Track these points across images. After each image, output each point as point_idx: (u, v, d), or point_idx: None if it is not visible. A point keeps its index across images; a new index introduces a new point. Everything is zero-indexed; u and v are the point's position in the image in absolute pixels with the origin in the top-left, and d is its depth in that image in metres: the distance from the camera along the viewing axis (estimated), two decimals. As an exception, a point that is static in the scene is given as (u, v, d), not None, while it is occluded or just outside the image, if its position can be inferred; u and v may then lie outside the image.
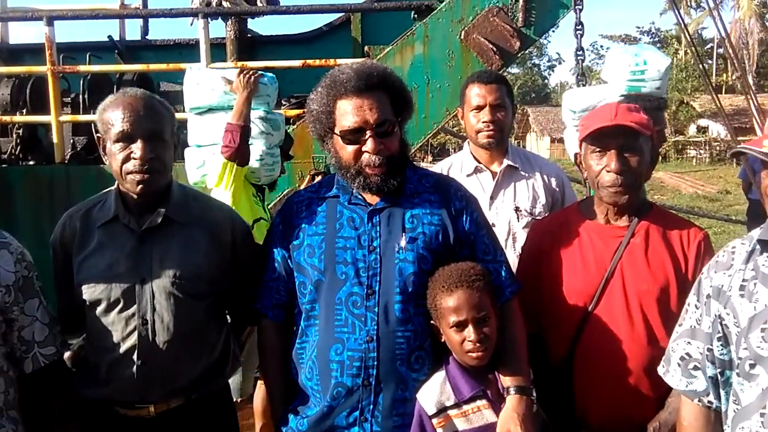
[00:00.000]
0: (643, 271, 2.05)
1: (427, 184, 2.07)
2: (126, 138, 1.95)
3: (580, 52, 4.95)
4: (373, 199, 2.01)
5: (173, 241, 2.05)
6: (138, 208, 2.05)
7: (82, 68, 5.62)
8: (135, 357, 2.00)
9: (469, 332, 1.88)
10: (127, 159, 1.96)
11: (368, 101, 1.92)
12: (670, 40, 47.09)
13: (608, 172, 2.03)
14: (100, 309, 2.01)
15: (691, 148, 36.14)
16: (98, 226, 2.06)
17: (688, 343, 1.68)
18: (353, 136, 1.93)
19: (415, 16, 5.65)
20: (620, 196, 2.05)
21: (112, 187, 2.09)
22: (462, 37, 5.00)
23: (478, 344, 1.88)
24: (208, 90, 3.84)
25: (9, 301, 1.92)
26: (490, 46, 4.97)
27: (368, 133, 1.92)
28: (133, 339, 2.00)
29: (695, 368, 1.66)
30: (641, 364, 2.02)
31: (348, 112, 1.92)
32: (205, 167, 3.77)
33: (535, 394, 1.96)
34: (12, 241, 1.97)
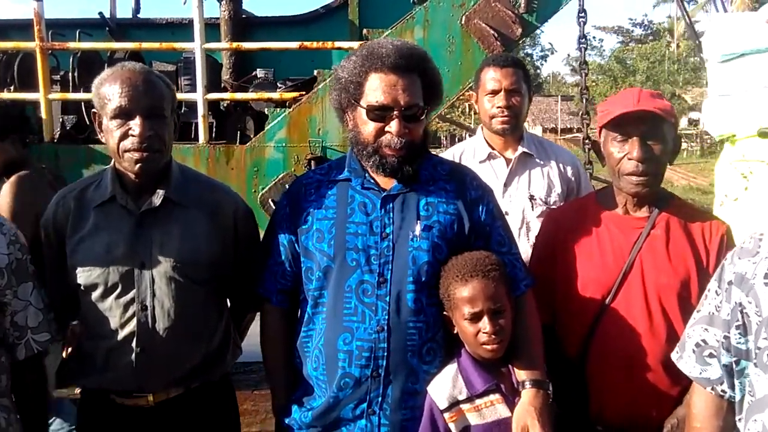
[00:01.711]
0: (663, 264, 1.98)
1: (443, 171, 1.99)
2: (124, 114, 1.84)
3: (583, 40, 4.87)
4: (386, 184, 1.93)
5: (174, 223, 1.95)
6: (136, 188, 1.95)
7: (72, 45, 5.45)
8: (134, 344, 1.91)
9: (485, 324, 1.81)
10: (124, 136, 1.85)
11: (403, 81, 1.84)
12: (663, 32, 47.16)
13: (630, 159, 1.95)
14: (96, 294, 1.91)
15: (683, 140, 36.26)
16: (94, 207, 1.95)
17: (705, 329, 1.62)
18: (380, 113, 1.85)
19: (415, 0, 5.54)
20: (642, 186, 1.97)
21: (108, 166, 1.98)
22: (463, 22, 4.90)
23: (493, 336, 1.81)
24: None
25: (2, 285, 1.82)
26: (491, 31, 4.89)
27: (396, 113, 1.83)
28: (131, 325, 1.91)
29: (710, 356, 1.60)
30: (660, 359, 1.95)
31: (379, 88, 1.84)
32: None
33: (551, 389, 1.90)
34: (4, 222, 1.87)
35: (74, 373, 2.01)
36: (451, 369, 1.86)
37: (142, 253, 1.92)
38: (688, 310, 1.93)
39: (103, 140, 1.91)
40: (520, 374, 1.88)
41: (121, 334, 1.91)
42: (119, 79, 1.85)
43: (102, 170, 2.01)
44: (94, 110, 1.92)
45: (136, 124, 1.84)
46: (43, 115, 5.19)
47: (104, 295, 1.91)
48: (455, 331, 1.88)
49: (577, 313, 2.05)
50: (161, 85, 1.92)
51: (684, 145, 35.42)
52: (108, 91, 1.85)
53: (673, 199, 2.10)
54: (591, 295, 2.04)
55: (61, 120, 5.53)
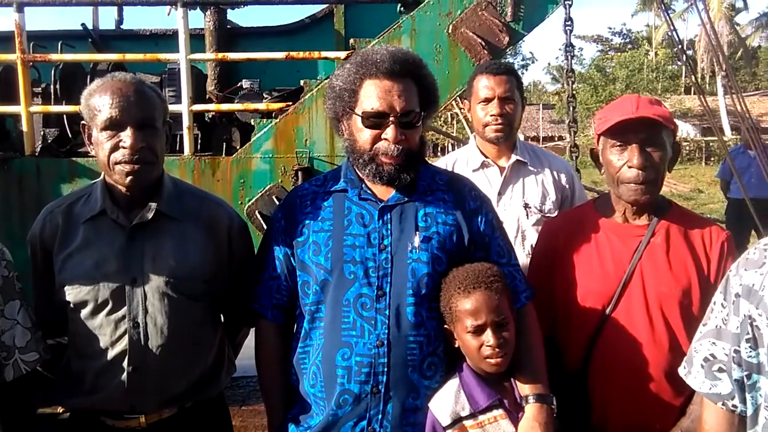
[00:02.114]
0: (664, 273, 1.96)
1: (441, 181, 1.96)
2: (114, 125, 1.79)
3: (570, 48, 4.87)
4: (384, 195, 1.89)
5: (166, 237, 1.90)
6: (127, 202, 1.89)
7: (54, 57, 5.35)
8: (125, 363, 1.84)
9: (488, 337, 1.77)
10: (115, 148, 1.80)
11: (398, 87, 1.80)
12: (641, 41, 47.76)
13: (629, 167, 1.93)
14: (86, 311, 1.85)
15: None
16: (83, 222, 1.89)
17: (713, 343, 1.59)
18: (375, 120, 1.81)
19: (401, 9, 5.53)
20: (641, 193, 1.95)
21: (97, 180, 1.93)
22: (450, 31, 4.89)
23: (497, 349, 1.77)
24: None
25: None
26: (479, 40, 4.88)
27: (391, 119, 1.80)
28: (123, 344, 1.84)
29: (720, 370, 1.57)
30: (662, 370, 1.92)
31: (374, 94, 1.80)
32: None
33: (555, 404, 1.86)
34: None
35: (62, 394, 1.94)
36: (453, 384, 1.82)
37: (134, 268, 1.86)
38: (690, 318, 1.92)
39: (92, 152, 1.85)
40: (523, 389, 1.84)
41: (113, 353, 1.85)
42: (110, 90, 1.80)
43: (91, 184, 1.95)
44: (83, 122, 1.87)
45: (127, 136, 1.78)
46: (24, 128, 5.09)
47: (94, 313, 1.85)
48: (456, 345, 1.84)
49: (578, 324, 2.03)
50: (153, 96, 1.87)
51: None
52: (98, 102, 1.80)
53: (672, 207, 2.08)
54: (591, 305, 2.01)
55: (42, 133, 5.43)
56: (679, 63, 43.64)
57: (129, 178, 1.81)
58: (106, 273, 1.84)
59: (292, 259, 1.91)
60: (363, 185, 1.89)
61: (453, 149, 3.08)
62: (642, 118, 1.89)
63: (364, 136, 1.83)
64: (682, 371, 1.68)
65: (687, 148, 34.02)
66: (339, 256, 1.84)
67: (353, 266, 1.82)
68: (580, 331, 2.02)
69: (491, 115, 2.64)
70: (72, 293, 1.85)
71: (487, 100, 2.64)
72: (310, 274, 1.87)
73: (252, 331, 2.06)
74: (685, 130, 37.13)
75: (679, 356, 1.87)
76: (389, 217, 1.87)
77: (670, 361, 1.91)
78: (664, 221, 2.01)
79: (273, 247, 1.95)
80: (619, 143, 1.95)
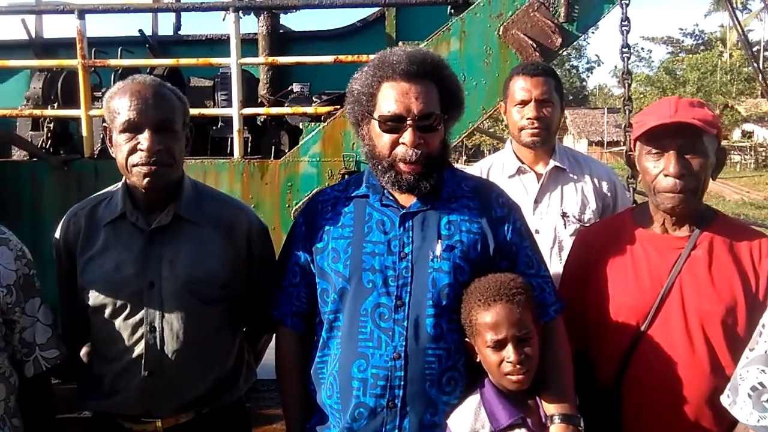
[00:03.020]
0: (705, 289, 1.82)
1: (467, 188, 1.88)
2: (132, 128, 1.79)
3: (626, 50, 4.69)
4: (406, 201, 1.83)
5: (184, 241, 1.89)
6: (147, 205, 1.90)
7: (113, 62, 5.54)
8: (142, 367, 1.85)
9: (509, 352, 1.68)
10: (133, 150, 1.80)
11: (416, 88, 1.74)
12: (715, 42, 45.91)
13: (666, 176, 1.81)
14: (105, 315, 1.86)
15: (736, 153, 35.13)
16: (104, 225, 1.91)
17: (762, 371, 1.46)
18: (392, 123, 1.75)
19: (452, 11, 5.46)
20: (679, 203, 1.82)
21: (120, 183, 1.94)
22: (500, 32, 4.80)
23: (518, 366, 1.68)
24: None
25: (11, 302, 1.79)
26: (530, 42, 4.77)
27: (409, 122, 1.74)
28: (140, 348, 1.85)
29: None
30: (702, 394, 1.79)
31: (391, 97, 1.75)
32: None
33: (582, 425, 1.75)
34: (11, 237, 1.85)
35: (83, 395, 1.96)
36: (473, 401, 1.74)
37: (152, 272, 1.86)
38: (734, 339, 1.79)
39: (113, 155, 1.86)
40: (549, 408, 1.75)
41: (129, 357, 1.85)
42: (128, 92, 1.81)
43: (114, 186, 1.97)
44: (104, 124, 1.89)
45: (144, 138, 1.78)
46: (84, 131, 5.28)
47: (113, 316, 1.86)
48: (478, 360, 1.76)
49: (611, 340, 1.92)
50: (172, 98, 1.87)
51: (737, 158, 34.39)
52: (117, 105, 1.81)
53: (718, 217, 1.93)
54: (626, 320, 1.89)
55: (101, 136, 5.62)
56: (756, 65, 41.76)
57: (146, 180, 1.81)
58: (125, 276, 1.85)
59: (312, 265, 1.88)
60: (385, 191, 1.84)
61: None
62: (680, 123, 1.77)
63: (383, 141, 1.78)
64: (725, 400, 1.56)
65: (764, 154, 32.47)
66: (358, 264, 1.79)
67: (372, 274, 1.77)
68: (613, 348, 1.90)
69: (527, 119, 2.53)
70: (92, 296, 1.86)
71: (524, 103, 2.54)
72: (329, 282, 1.83)
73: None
74: (762, 134, 35.43)
75: (720, 380, 1.76)
76: (411, 224, 1.81)
77: (711, 384, 1.78)
78: (707, 233, 1.87)
79: (293, 253, 1.91)
80: (655, 150, 1.83)
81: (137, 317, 1.85)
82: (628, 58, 4.67)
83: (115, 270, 1.86)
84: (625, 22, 4.57)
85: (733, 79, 38.32)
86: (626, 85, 4.82)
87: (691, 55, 43.66)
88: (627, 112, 4.61)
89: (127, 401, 1.87)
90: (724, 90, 37.09)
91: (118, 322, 1.86)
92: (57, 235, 1.97)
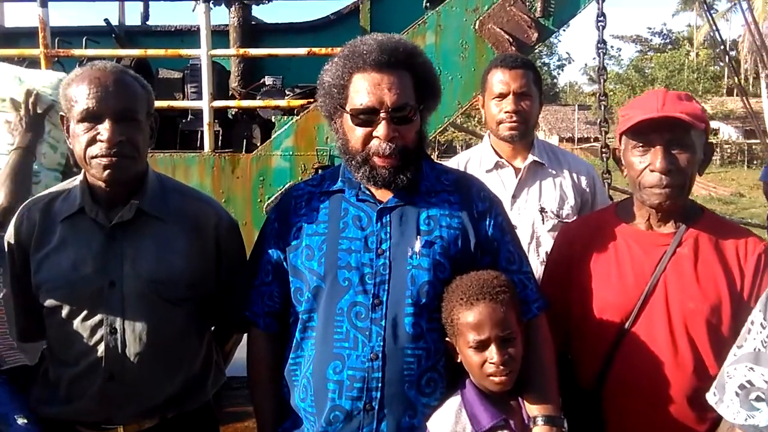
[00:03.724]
0: (690, 287, 1.77)
1: (446, 181, 1.81)
2: (91, 117, 1.68)
3: (602, 45, 4.67)
4: (383, 196, 1.75)
5: (148, 237, 1.79)
6: (107, 199, 1.78)
7: (77, 52, 5.36)
8: (101, 371, 1.74)
9: (492, 353, 1.62)
10: (92, 141, 1.68)
11: (388, 79, 1.65)
12: (682, 41, 46.68)
13: (652, 171, 1.76)
14: (61, 315, 1.75)
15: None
16: (61, 220, 1.79)
17: (750, 369, 1.42)
18: (365, 117, 1.67)
19: (427, 4, 5.41)
20: (665, 198, 1.77)
21: (78, 176, 1.82)
22: (476, 27, 4.78)
23: (501, 367, 1.61)
24: None
25: None
26: (506, 36, 4.75)
27: (382, 115, 1.65)
28: (99, 350, 1.73)
29: (758, 399, 1.39)
30: (685, 394, 1.75)
31: (363, 89, 1.66)
32: None
33: (566, 426, 1.70)
34: None
35: (37, 401, 1.84)
36: (453, 402, 1.67)
37: (112, 270, 1.75)
38: (718, 339, 1.75)
39: (71, 146, 1.75)
40: (532, 409, 1.69)
41: (88, 360, 1.74)
42: (87, 79, 1.69)
43: (71, 180, 1.85)
44: (61, 113, 1.77)
45: (104, 128, 1.67)
46: (46, 123, 5.10)
47: (70, 317, 1.74)
48: (459, 360, 1.69)
49: (594, 340, 1.86)
50: (134, 86, 1.75)
51: (704, 155, 34.97)
52: (75, 93, 1.69)
53: (704, 214, 1.89)
54: (609, 319, 1.84)
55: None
56: (722, 64, 42.56)
57: (106, 172, 1.70)
58: (83, 275, 1.74)
59: (285, 263, 1.79)
60: (361, 186, 1.76)
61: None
62: (667, 118, 1.71)
63: (355, 134, 1.69)
64: (711, 398, 1.51)
65: (729, 150, 33.12)
66: (333, 262, 1.70)
67: (348, 272, 1.69)
68: (595, 347, 1.85)
69: (506, 112, 2.47)
70: (47, 296, 1.75)
71: (502, 96, 2.48)
72: (303, 280, 1.74)
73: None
74: (727, 132, 36.17)
75: (704, 379, 1.73)
76: (388, 219, 1.73)
77: (694, 384, 1.74)
78: (692, 229, 1.83)
79: (266, 251, 1.82)
80: (641, 144, 1.77)
81: (96, 318, 1.74)
82: (604, 53, 4.67)
83: (73, 268, 1.75)
84: (601, 18, 4.57)
85: (699, 78, 39.01)
86: (601, 80, 4.81)
87: (659, 54, 44.30)
88: (602, 107, 4.61)
89: (86, 407, 1.76)
90: (691, 88, 37.68)
91: (76, 323, 1.74)
92: (9, 230, 1.85)
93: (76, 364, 1.75)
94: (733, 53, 39.44)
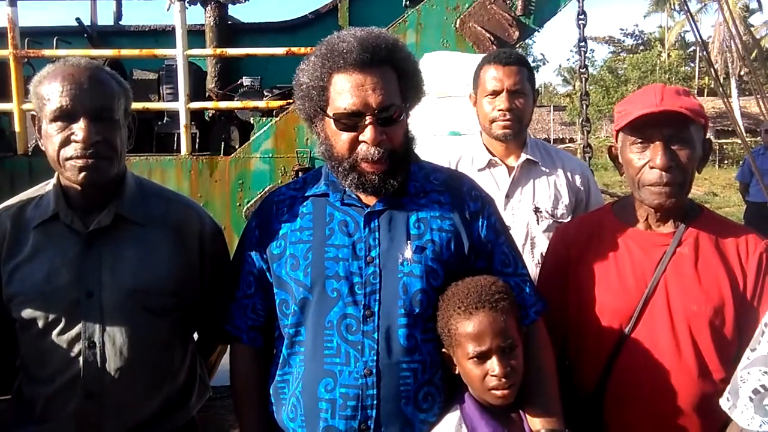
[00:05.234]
0: (692, 288, 1.72)
1: (436, 181, 1.72)
2: (65, 116, 1.57)
3: (583, 43, 4.66)
4: (370, 199, 1.66)
5: (128, 244, 1.69)
6: (84, 204, 1.68)
7: (47, 53, 5.21)
8: (79, 389, 1.63)
9: (493, 365, 1.54)
10: (66, 142, 1.58)
11: (372, 79, 1.55)
12: (654, 42, 47.31)
13: (652, 168, 1.70)
14: (35, 330, 1.64)
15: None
16: (34, 227, 1.68)
17: (765, 373, 1.38)
18: (350, 120, 1.57)
19: (407, 2, 5.37)
20: (666, 197, 1.72)
21: (51, 180, 1.72)
22: (457, 25, 4.76)
23: (504, 380, 1.53)
24: None
25: None
26: (487, 35, 4.73)
27: (368, 118, 1.56)
28: (76, 367, 1.63)
29: None
30: (690, 400, 1.69)
31: (345, 91, 1.56)
32: None
33: (569, 438, 1.63)
34: None
35: (12, 421, 1.73)
36: (453, 418, 1.59)
37: (90, 280, 1.64)
38: (721, 341, 1.71)
39: (42, 148, 1.64)
40: (534, 422, 1.61)
41: (64, 378, 1.63)
42: (60, 76, 1.59)
43: (44, 184, 1.74)
44: (33, 113, 1.66)
45: (79, 128, 1.57)
46: (17, 127, 4.95)
47: (45, 331, 1.64)
48: (456, 372, 1.61)
49: (593, 344, 1.80)
50: (111, 83, 1.65)
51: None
52: (47, 90, 1.59)
53: (703, 212, 1.84)
54: (608, 323, 1.78)
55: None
56: (692, 65, 43.21)
57: (82, 175, 1.59)
58: (58, 286, 1.63)
59: (268, 274, 1.69)
60: (346, 188, 1.67)
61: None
62: (666, 112, 1.66)
63: (341, 140, 1.60)
64: (725, 404, 1.46)
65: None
66: (320, 271, 1.61)
67: (336, 282, 1.60)
68: (594, 353, 1.79)
69: (499, 110, 2.40)
70: (20, 309, 1.64)
71: (495, 93, 2.41)
72: (289, 292, 1.64)
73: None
74: (699, 132, 36.68)
75: (709, 384, 1.68)
76: (377, 224, 1.64)
77: (699, 389, 1.69)
78: (692, 229, 1.78)
79: (247, 261, 1.72)
80: (640, 140, 1.71)
81: (73, 332, 1.63)
82: (585, 51, 4.66)
83: (47, 279, 1.64)
84: (582, 16, 4.56)
85: (671, 78, 39.50)
86: (583, 79, 4.79)
87: (631, 55, 44.83)
88: (584, 106, 4.59)
89: (62, 428, 1.65)
90: (663, 88, 38.27)
91: (52, 338, 1.63)
92: None
93: (51, 382, 1.65)
94: (703, 53, 40.10)
